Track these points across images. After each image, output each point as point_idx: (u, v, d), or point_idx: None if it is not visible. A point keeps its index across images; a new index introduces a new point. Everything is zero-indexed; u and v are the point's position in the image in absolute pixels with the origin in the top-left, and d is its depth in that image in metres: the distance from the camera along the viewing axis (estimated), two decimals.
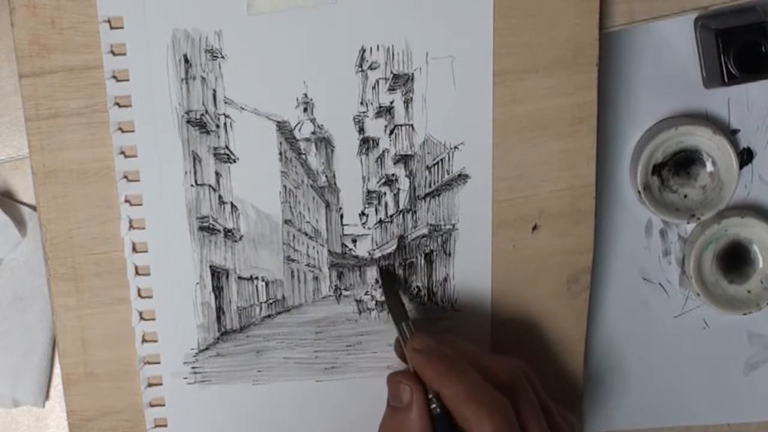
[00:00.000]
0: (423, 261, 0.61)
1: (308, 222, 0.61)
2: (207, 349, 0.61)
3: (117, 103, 0.57)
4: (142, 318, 0.60)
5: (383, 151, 0.60)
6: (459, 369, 0.54)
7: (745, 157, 0.64)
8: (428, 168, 0.60)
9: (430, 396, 0.54)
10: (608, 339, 0.66)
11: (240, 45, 0.57)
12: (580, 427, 0.65)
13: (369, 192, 0.60)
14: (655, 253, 0.65)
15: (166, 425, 0.62)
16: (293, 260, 0.61)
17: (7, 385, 0.64)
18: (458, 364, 0.54)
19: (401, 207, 0.61)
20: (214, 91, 0.58)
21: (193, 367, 0.61)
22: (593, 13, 0.58)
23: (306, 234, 0.61)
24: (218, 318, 0.61)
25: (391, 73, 0.58)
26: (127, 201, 0.59)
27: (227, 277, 0.61)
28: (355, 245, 0.61)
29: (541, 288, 0.62)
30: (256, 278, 0.61)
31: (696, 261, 0.64)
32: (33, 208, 0.63)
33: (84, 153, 0.58)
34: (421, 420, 0.54)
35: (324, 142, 0.59)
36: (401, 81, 0.58)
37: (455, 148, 0.59)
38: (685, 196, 0.63)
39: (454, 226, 0.61)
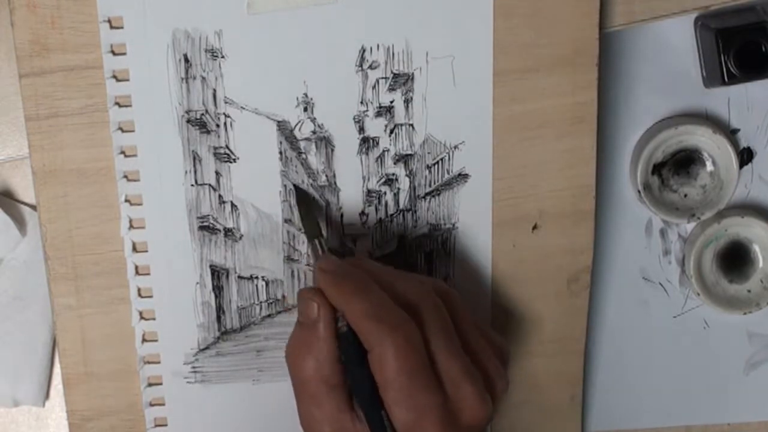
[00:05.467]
0: (423, 261, 0.61)
1: None
2: (207, 348, 0.61)
3: (117, 103, 0.57)
4: (142, 318, 0.60)
5: (383, 151, 0.60)
6: (363, 288, 0.53)
7: (745, 156, 0.64)
8: (428, 167, 0.60)
9: (338, 315, 0.54)
10: (608, 339, 0.66)
11: (240, 45, 0.57)
12: (581, 428, 0.66)
13: (369, 191, 0.60)
14: (655, 253, 0.65)
15: (166, 425, 0.62)
16: (293, 260, 0.61)
17: (7, 385, 0.64)
18: (363, 283, 0.54)
19: (401, 207, 0.61)
20: (214, 90, 0.58)
21: (193, 367, 0.61)
22: (593, 13, 0.58)
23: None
24: (218, 317, 0.61)
25: (391, 72, 0.58)
26: (127, 201, 0.59)
27: (227, 276, 0.61)
28: (355, 245, 0.61)
29: (541, 288, 0.62)
30: (256, 278, 0.61)
31: (696, 261, 0.64)
32: (33, 208, 0.63)
33: (84, 153, 0.58)
34: (327, 336, 0.53)
35: (324, 142, 0.59)
36: (401, 80, 0.58)
37: (455, 147, 0.59)
38: (685, 196, 0.63)
39: (454, 225, 0.61)
